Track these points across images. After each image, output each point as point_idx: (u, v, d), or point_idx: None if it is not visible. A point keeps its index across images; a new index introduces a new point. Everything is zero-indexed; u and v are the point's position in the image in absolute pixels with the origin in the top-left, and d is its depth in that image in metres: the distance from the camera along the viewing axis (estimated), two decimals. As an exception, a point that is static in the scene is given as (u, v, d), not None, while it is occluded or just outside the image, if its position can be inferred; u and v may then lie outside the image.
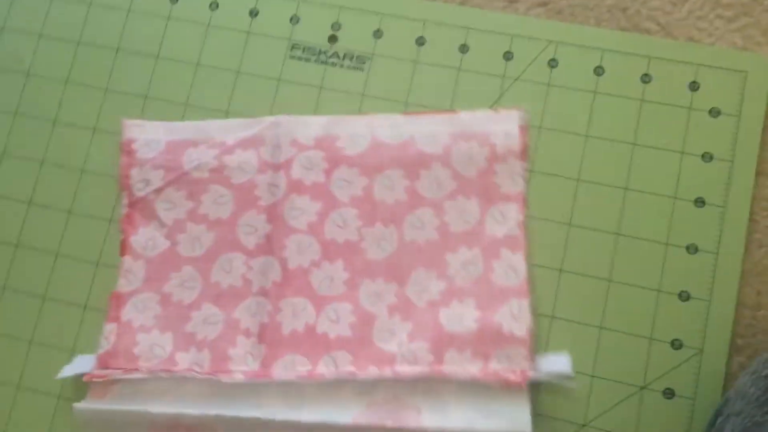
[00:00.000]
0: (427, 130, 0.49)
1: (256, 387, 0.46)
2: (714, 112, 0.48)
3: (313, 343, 0.46)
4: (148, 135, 0.51)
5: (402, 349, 0.45)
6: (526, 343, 0.45)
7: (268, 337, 0.47)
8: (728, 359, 0.45)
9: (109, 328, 0.48)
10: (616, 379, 0.45)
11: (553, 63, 0.49)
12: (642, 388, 0.45)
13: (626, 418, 0.44)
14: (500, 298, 0.46)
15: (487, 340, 0.45)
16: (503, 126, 0.48)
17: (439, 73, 0.50)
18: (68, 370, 0.47)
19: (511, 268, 0.46)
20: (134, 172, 0.50)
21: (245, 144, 0.50)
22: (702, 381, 0.44)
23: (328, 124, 0.50)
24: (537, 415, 0.44)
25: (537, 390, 0.45)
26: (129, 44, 0.53)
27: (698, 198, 0.47)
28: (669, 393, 0.45)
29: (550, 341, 0.46)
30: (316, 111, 0.50)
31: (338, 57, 0.51)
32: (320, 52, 0.51)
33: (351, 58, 0.51)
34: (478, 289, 0.46)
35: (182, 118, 0.51)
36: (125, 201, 0.50)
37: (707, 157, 0.47)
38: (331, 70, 0.51)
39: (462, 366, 0.44)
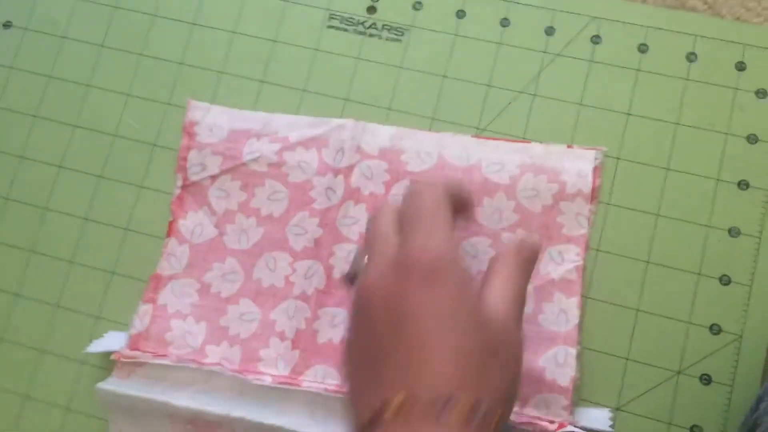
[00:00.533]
0: (497, 158, 0.47)
1: (283, 393, 0.45)
2: (761, 93, 0.46)
3: None
4: (212, 119, 0.50)
5: None
6: (568, 393, 0.43)
7: (303, 344, 0.46)
8: (769, 346, 0.44)
9: (144, 309, 0.47)
10: (651, 363, 0.44)
11: (596, 39, 0.48)
12: (678, 373, 0.44)
13: (661, 403, 0.43)
14: (546, 342, 0.44)
15: (527, 384, 0.43)
16: (577, 164, 0.46)
17: (478, 46, 0.49)
18: (98, 346, 0.47)
19: (562, 312, 0.45)
20: (192, 155, 0.49)
21: (308, 143, 0.49)
22: (741, 367, 0.43)
23: (396, 135, 0.48)
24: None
25: (570, 371, 0.44)
26: (164, 11, 0.52)
27: (742, 180, 0.45)
28: (706, 379, 0.43)
29: (584, 322, 0.45)
30: (352, 82, 0.49)
31: (376, 28, 0.50)
32: (358, 23, 0.50)
33: (389, 30, 0.50)
34: (525, 329, 0.44)
35: (216, 85, 0.50)
36: (179, 183, 0.49)
37: (752, 138, 0.46)
38: (368, 41, 0.50)
39: None
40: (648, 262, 0.45)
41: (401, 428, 0.31)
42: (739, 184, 0.45)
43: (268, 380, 0.45)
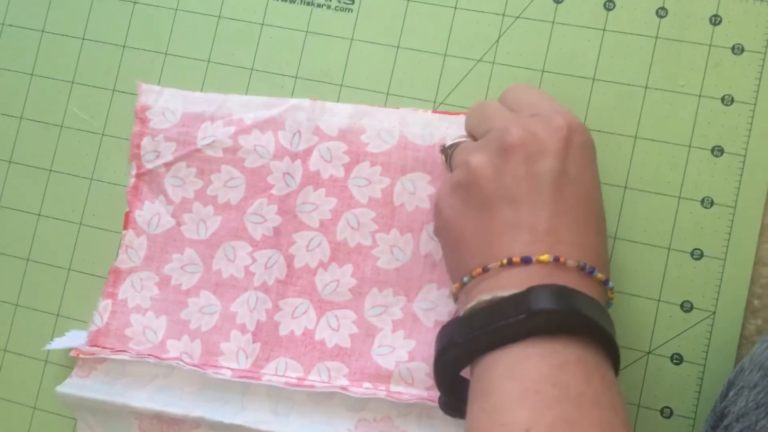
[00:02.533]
0: (460, 133, 0.44)
1: (245, 387, 0.44)
2: (737, 49, 0.43)
3: (309, 349, 0.44)
4: (165, 103, 0.48)
5: (400, 368, 0.43)
6: None
7: (264, 336, 0.45)
8: (743, 322, 0.41)
9: (104, 305, 0.46)
10: (621, 343, 0.41)
11: (557, -2, 0.45)
12: (648, 353, 0.42)
13: (630, 384, 0.42)
14: None
15: None
16: None
17: (433, 12, 0.46)
18: (58, 343, 0.46)
19: None
20: (145, 142, 0.47)
21: (264, 125, 0.46)
22: (713, 346, 0.41)
23: (354, 113, 0.46)
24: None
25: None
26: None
27: (716, 146, 0.42)
28: (677, 358, 0.42)
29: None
30: (302, 57, 0.47)
31: (324, -3, 0.47)
32: (304, -7, 0.47)
33: (338, -1, 0.47)
34: None
35: (162, 67, 0.48)
36: (133, 171, 0.47)
37: (728, 99, 0.43)
38: (317, 12, 0.47)
39: None
40: (615, 238, 0.43)
41: (555, 271, 0.33)
42: (712, 150, 0.42)
43: (228, 374, 0.44)
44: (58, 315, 0.48)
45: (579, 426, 0.29)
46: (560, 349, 0.31)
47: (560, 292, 0.32)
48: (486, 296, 0.33)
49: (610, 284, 0.35)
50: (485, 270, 0.34)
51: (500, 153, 0.35)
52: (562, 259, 0.33)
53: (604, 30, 0.44)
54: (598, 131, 0.43)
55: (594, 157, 0.36)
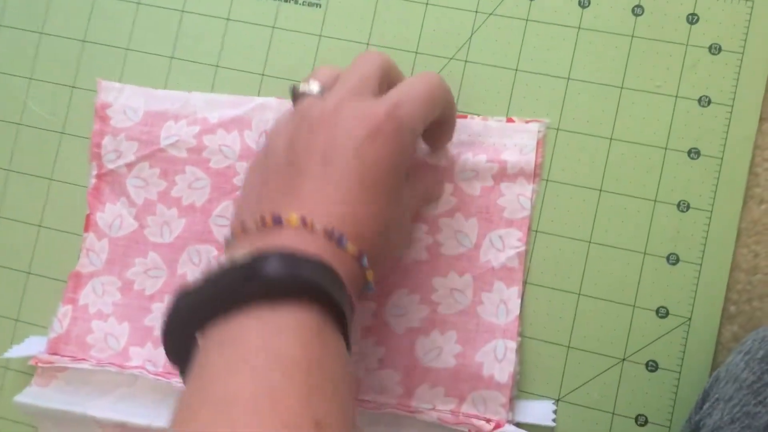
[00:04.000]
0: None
1: None
2: (714, 49, 0.42)
3: None
4: (126, 101, 0.46)
5: (370, 376, 0.41)
6: (507, 390, 0.40)
7: None
8: (719, 328, 0.41)
9: (64, 311, 0.45)
10: (594, 350, 0.41)
11: (532, -5, 0.43)
12: (623, 360, 0.41)
13: (604, 392, 0.41)
14: (485, 335, 0.41)
15: (463, 380, 0.41)
16: (518, 140, 0.42)
17: (404, 8, 0.44)
18: (16, 351, 0.45)
19: (502, 303, 0.41)
20: (106, 141, 0.46)
21: (229, 125, 0.45)
22: (689, 352, 0.40)
23: None
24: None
25: (508, 362, 0.41)
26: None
27: (692, 149, 0.41)
28: (653, 365, 0.41)
29: (523, 310, 0.42)
30: (269, 54, 0.45)
31: (292, -8, 0.46)
32: (271, -12, 0.46)
33: (305, -6, 0.45)
34: (463, 322, 0.41)
35: (123, 63, 0.46)
36: (94, 171, 0.46)
37: (704, 101, 0.42)
38: (284, 8, 0.45)
39: (432, 403, 0.41)
40: (590, 242, 0.42)
41: (299, 236, 0.32)
42: (689, 152, 0.41)
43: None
44: (17, 320, 0.46)
45: (283, 393, 0.28)
46: (280, 315, 0.30)
47: (283, 257, 0.31)
48: (223, 260, 0.32)
49: (365, 262, 0.34)
50: (243, 229, 0.34)
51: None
52: (309, 221, 0.32)
53: (579, 28, 0.43)
54: (574, 132, 0.42)
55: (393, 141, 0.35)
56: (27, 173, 0.47)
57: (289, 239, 0.32)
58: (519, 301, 0.41)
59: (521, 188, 0.42)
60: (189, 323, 0.32)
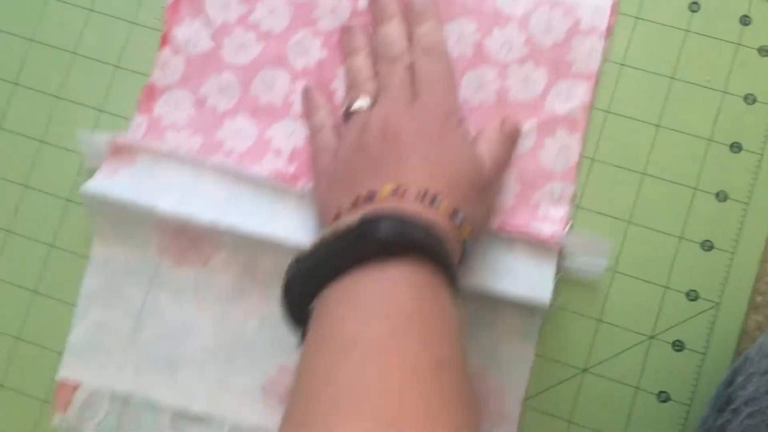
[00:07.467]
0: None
1: (276, 196, 0.44)
2: (763, 51, 0.44)
3: None
4: None
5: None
6: (562, 224, 0.43)
7: (299, 160, 0.44)
8: (745, 317, 0.42)
9: (139, 121, 0.46)
10: (623, 326, 0.42)
11: (594, -19, 0.45)
12: (651, 337, 0.42)
13: (630, 367, 0.42)
14: (544, 177, 0.43)
15: (520, 217, 0.43)
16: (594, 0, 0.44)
17: None
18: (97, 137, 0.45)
19: (564, 148, 0.43)
20: None
21: None
22: (715, 336, 0.42)
23: None
24: (536, 356, 0.42)
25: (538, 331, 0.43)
26: None
27: (735, 143, 0.43)
28: (678, 345, 0.42)
29: (556, 284, 0.43)
30: None
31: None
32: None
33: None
34: (523, 165, 0.43)
35: None
36: None
37: (750, 99, 0.43)
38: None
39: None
40: (629, 222, 0.43)
41: (395, 202, 0.35)
42: (731, 146, 0.43)
43: (264, 172, 0.44)
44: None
45: (401, 339, 0.30)
46: (393, 271, 0.32)
47: (392, 219, 0.33)
48: (328, 231, 0.34)
49: (459, 218, 0.36)
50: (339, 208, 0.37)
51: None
52: (401, 189, 0.35)
53: (636, 18, 0.45)
54: (622, 116, 0.44)
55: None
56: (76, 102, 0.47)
57: (390, 204, 0.35)
58: (579, 148, 0.43)
59: (593, 44, 0.44)
60: (309, 283, 0.33)
